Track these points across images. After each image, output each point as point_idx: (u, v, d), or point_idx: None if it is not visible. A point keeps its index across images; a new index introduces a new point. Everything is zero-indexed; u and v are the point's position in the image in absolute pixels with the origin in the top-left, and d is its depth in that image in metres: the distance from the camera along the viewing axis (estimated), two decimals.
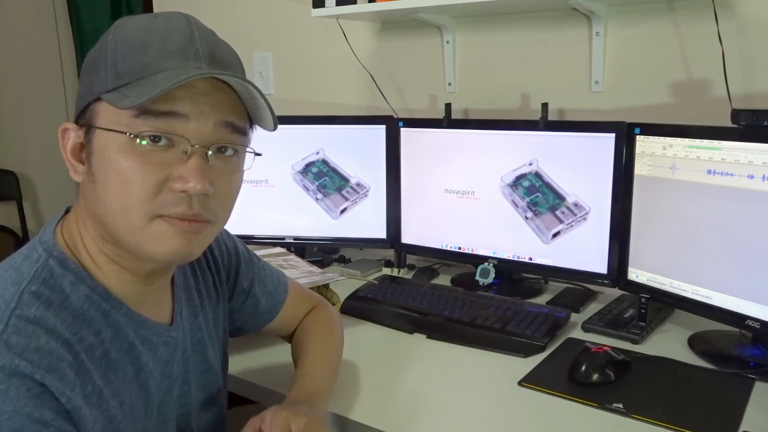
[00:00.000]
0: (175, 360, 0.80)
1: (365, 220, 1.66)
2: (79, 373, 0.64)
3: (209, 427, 0.89)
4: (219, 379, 0.90)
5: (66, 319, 0.66)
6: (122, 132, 0.65)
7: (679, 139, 1.17)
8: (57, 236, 0.71)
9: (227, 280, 0.95)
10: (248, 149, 0.74)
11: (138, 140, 0.65)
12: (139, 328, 0.74)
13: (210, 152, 0.68)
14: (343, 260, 1.75)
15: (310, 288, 1.17)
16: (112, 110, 0.65)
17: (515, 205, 1.44)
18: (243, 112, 0.72)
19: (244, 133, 0.72)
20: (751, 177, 1.06)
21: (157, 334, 0.76)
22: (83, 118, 0.69)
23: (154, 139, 0.66)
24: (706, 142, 1.12)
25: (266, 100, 0.70)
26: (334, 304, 1.22)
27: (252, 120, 0.74)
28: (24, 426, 0.58)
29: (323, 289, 1.29)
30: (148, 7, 2.51)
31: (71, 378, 0.63)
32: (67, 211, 0.76)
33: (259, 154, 0.75)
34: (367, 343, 1.22)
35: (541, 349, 1.17)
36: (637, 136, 1.24)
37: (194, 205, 0.68)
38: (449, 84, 1.72)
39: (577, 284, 1.49)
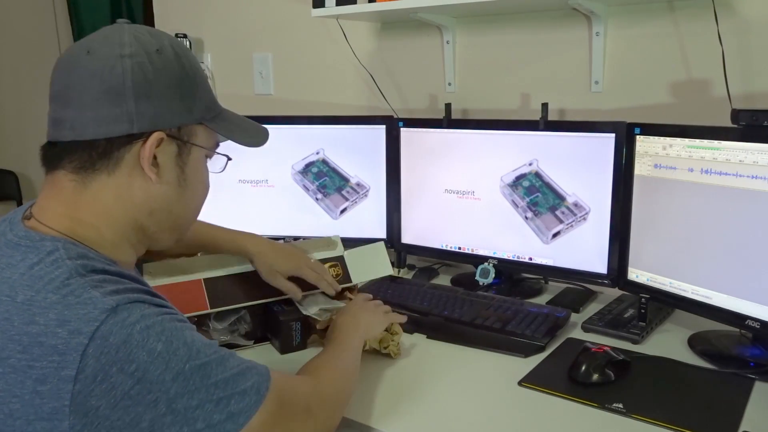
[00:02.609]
0: None
1: (365, 220, 1.66)
2: (154, 297, 0.73)
3: None
4: None
5: (113, 276, 0.72)
6: (224, 155, 0.86)
7: (679, 139, 1.17)
8: (41, 230, 0.74)
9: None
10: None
11: (225, 162, 0.86)
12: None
13: None
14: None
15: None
16: (208, 134, 0.83)
17: (515, 205, 1.45)
18: None
19: None
20: (752, 177, 1.06)
21: None
22: (177, 133, 0.79)
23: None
24: (706, 142, 1.12)
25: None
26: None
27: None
28: (173, 314, 0.72)
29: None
30: (148, 8, 2.51)
31: (156, 297, 0.73)
32: (29, 208, 0.79)
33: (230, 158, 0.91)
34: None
35: (541, 349, 1.17)
36: (637, 136, 1.24)
37: None
38: (449, 84, 1.73)
39: (577, 284, 1.49)
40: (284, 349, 1.16)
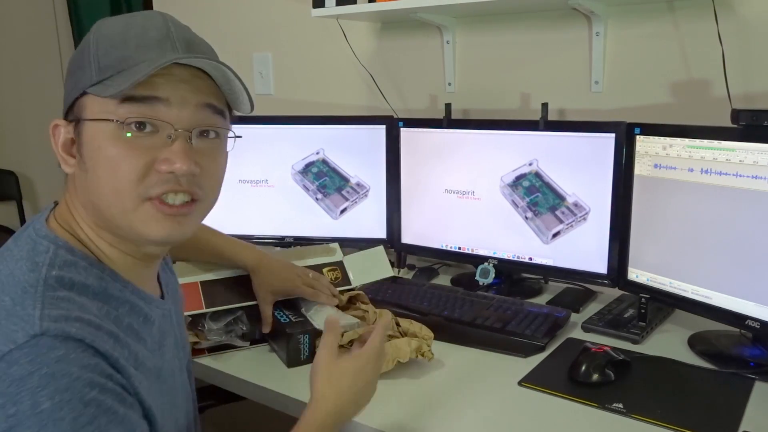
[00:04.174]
0: (171, 331, 0.84)
1: (365, 220, 1.66)
2: (117, 341, 0.67)
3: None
4: (189, 353, 0.96)
5: (90, 297, 0.68)
6: (109, 120, 0.68)
7: (679, 139, 1.17)
8: (53, 228, 0.73)
9: None
10: (229, 133, 0.78)
11: (124, 126, 0.68)
12: (146, 303, 0.77)
13: (193, 135, 0.72)
14: None
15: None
16: (98, 101, 0.69)
17: (515, 205, 1.45)
18: (221, 97, 0.76)
19: (223, 115, 0.76)
20: (752, 177, 1.06)
21: (158, 307, 0.80)
22: (71, 114, 0.72)
23: (139, 126, 0.69)
24: (706, 142, 1.12)
25: (242, 82, 0.74)
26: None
27: (231, 106, 0.78)
28: (94, 379, 0.61)
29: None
30: (147, 8, 2.52)
31: (111, 344, 0.66)
32: (56, 204, 0.78)
33: (239, 136, 0.79)
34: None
35: (541, 349, 1.17)
36: (637, 136, 1.24)
37: (183, 182, 0.71)
38: (449, 84, 1.72)
39: (577, 284, 1.49)
40: (291, 363, 1.11)
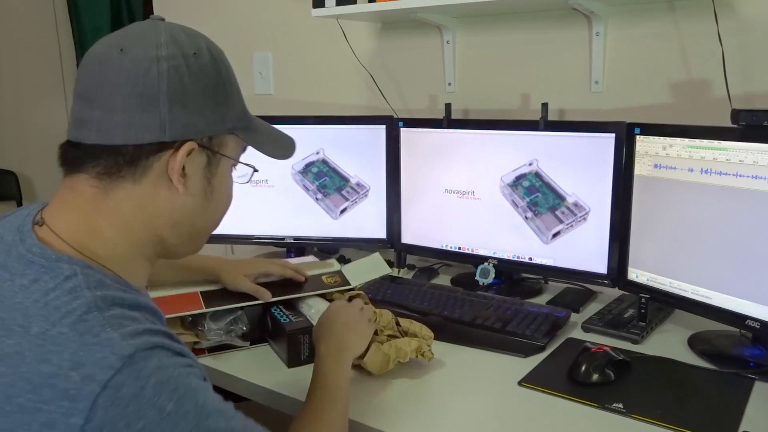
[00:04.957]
0: None
1: (365, 220, 1.66)
2: (172, 338, 0.70)
3: None
4: None
5: (130, 309, 0.68)
6: (250, 166, 0.83)
7: (679, 139, 1.17)
8: (54, 245, 0.70)
9: None
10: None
11: (253, 175, 0.84)
12: (155, 305, 0.77)
13: None
14: (343, 260, 1.75)
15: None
16: (237, 144, 0.80)
17: (515, 205, 1.45)
18: None
19: None
20: (752, 177, 1.06)
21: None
22: (208, 143, 0.75)
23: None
24: (706, 142, 1.12)
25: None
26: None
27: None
28: (190, 371, 0.66)
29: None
30: (148, 8, 2.52)
31: (174, 340, 0.69)
32: (36, 221, 0.74)
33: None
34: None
35: (541, 349, 1.17)
36: (637, 136, 1.24)
37: None
38: (449, 84, 1.73)
39: (577, 284, 1.49)
40: (291, 363, 1.11)
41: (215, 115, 0.74)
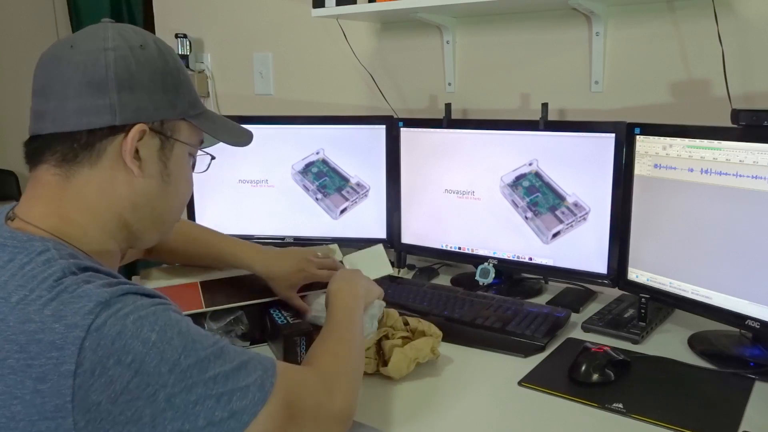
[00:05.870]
0: None
1: (365, 220, 1.66)
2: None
3: None
4: None
5: (104, 273, 0.72)
6: (207, 154, 0.89)
7: (679, 139, 1.17)
8: (24, 228, 0.73)
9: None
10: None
11: (211, 161, 0.90)
12: None
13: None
14: None
15: None
16: (191, 130, 0.83)
17: (515, 205, 1.45)
18: None
19: None
20: (752, 177, 1.06)
21: None
22: (160, 127, 0.79)
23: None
24: (706, 142, 1.12)
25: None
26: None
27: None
28: (166, 304, 0.71)
29: None
30: (148, 8, 2.51)
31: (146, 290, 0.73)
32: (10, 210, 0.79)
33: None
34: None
35: (541, 349, 1.17)
36: (637, 136, 1.24)
37: None
38: (449, 84, 1.72)
39: (577, 284, 1.49)
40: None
41: (165, 101, 0.78)
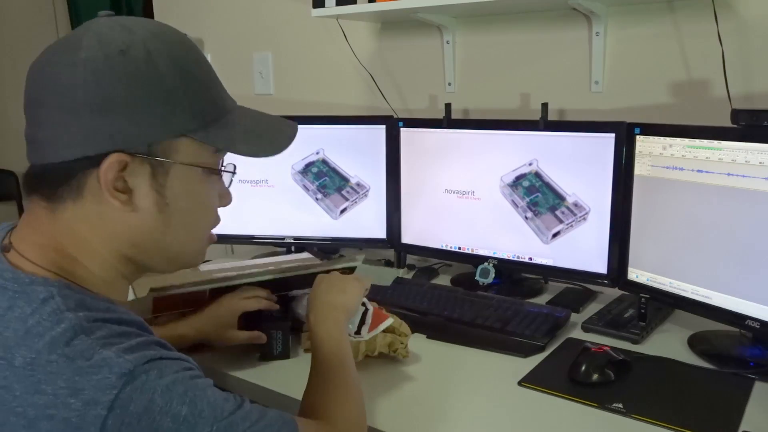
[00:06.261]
0: None
1: (365, 220, 1.66)
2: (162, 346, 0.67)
3: None
4: None
5: (116, 323, 0.65)
6: (228, 171, 0.77)
7: (679, 139, 1.17)
8: (25, 268, 0.65)
9: None
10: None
11: (232, 177, 0.78)
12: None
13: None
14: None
15: None
16: (196, 147, 0.70)
17: (515, 205, 1.44)
18: None
19: None
20: (752, 177, 1.06)
21: None
22: (148, 151, 0.67)
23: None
24: (705, 142, 1.12)
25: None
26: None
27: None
28: (190, 371, 0.64)
29: None
30: (148, 8, 2.51)
31: (165, 348, 0.66)
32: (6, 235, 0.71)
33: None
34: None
35: (541, 349, 1.17)
36: (637, 136, 1.24)
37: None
38: (449, 84, 1.72)
39: (577, 284, 1.49)
40: (263, 357, 1.12)
41: (152, 120, 0.66)
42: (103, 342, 0.60)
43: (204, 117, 0.69)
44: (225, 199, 0.79)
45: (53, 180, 0.67)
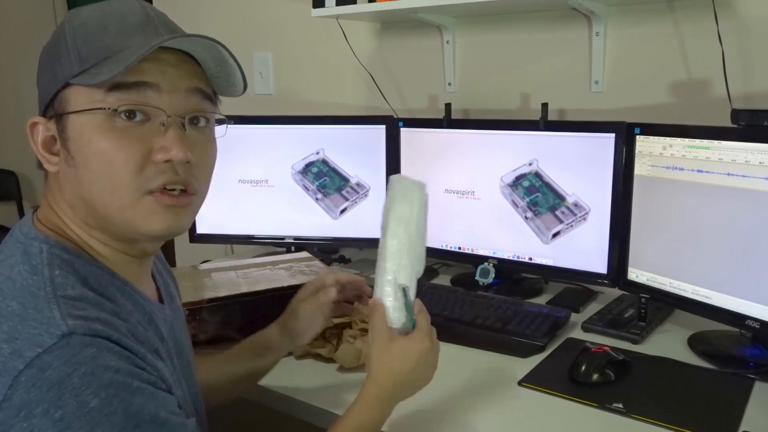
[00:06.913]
0: (171, 336, 0.79)
1: (365, 220, 1.66)
2: (134, 337, 0.65)
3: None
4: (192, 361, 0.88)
5: (97, 294, 0.65)
6: (99, 109, 0.65)
7: (679, 139, 1.17)
8: (40, 230, 0.69)
9: None
10: (217, 116, 0.76)
11: (115, 115, 0.66)
12: (146, 303, 0.73)
13: (186, 122, 0.69)
14: (343, 260, 1.75)
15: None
16: (84, 92, 0.66)
17: (515, 205, 1.45)
18: (208, 81, 0.75)
19: (212, 100, 0.75)
20: (752, 177, 1.06)
21: (158, 310, 0.76)
22: (51, 110, 0.69)
23: (130, 115, 0.66)
24: (705, 142, 1.12)
25: (235, 59, 0.74)
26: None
27: (216, 92, 0.77)
28: (133, 370, 0.60)
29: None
30: None
31: (133, 340, 0.64)
32: (35, 209, 0.75)
33: (229, 121, 0.77)
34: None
35: (541, 349, 1.17)
36: (637, 136, 1.24)
37: (180, 172, 0.69)
38: (449, 84, 1.72)
39: (577, 284, 1.49)
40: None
41: (48, 75, 0.69)
42: (64, 302, 0.60)
43: (89, 61, 0.66)
44: (159, 148, 0.67)
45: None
